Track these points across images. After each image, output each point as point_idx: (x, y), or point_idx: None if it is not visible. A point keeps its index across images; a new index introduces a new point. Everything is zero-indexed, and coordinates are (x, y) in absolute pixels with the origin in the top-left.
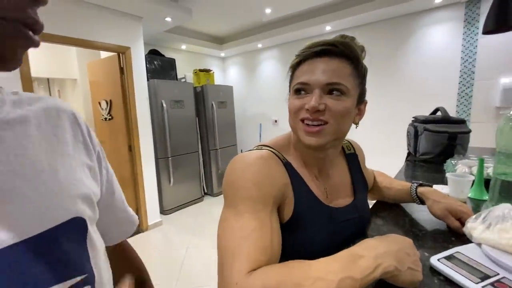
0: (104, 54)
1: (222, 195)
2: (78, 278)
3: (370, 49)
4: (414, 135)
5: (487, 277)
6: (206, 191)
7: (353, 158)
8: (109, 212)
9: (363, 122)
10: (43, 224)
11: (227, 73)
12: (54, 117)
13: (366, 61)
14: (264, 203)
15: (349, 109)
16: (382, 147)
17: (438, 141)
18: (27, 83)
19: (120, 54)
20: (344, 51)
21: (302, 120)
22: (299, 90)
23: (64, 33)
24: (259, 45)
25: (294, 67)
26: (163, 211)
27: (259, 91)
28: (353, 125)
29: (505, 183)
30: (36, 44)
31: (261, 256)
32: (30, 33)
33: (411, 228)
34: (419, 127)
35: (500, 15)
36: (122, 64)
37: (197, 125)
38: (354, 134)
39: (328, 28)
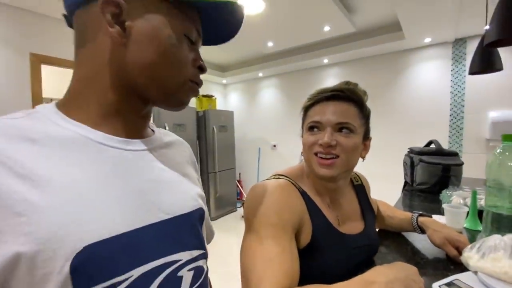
0: None
1: (219, 219)
2: (202, 251)
3: (365, 81)
4: (410, 166)
5: None
6: None
7: (360, 189)
8: None
9: None
10: (185, 208)
11: (228, 98)
12: (180, 146)
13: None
14: (284, 229)
15: (357, 145)
16: (377, 174)
17: (433, 172)
18: (38, 102)
19: None
20: (350, 96)
21: (316, 154)
22: (312, 127)
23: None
24: (260, 74)
25: (307, 108)
26: None
27: (259, 117)
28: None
29: (495, 215)
30: (197, 95)
31: (284, 280)
32: (197, 88)
33: (413, 256)
34: (414, 158)
35: (484, 59)
36: None
37: (198, 148)
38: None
39: (325, 60)
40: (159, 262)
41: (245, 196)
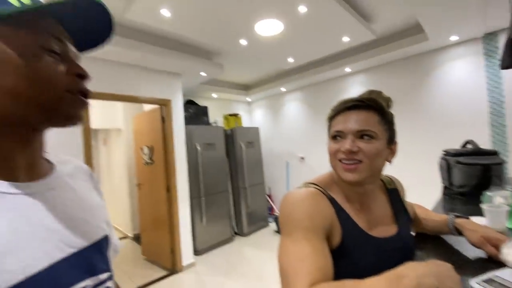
0: (147, 106)
1: (252, 235)
2: (109, 273)
3: (391, 86)
4: (446, 169)
5: None
6: (236, 230)
7: (394, 192)
8: None
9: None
10: (91, 238)
11: (253, 115)
12: (81, 172)
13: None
14: (315, 232)
15: (380, 150)
16: (412, 180)
17: (472, 174)
18: (87, 134)
19: (162, 106)
20: (370, 105)
21: (340, 160)
22: (335, 136)
23: (113, 91)
24: (283, 89)
25: (331, 119)
26: (195, 251)
27: (285, 131)
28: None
29: None
30: (87, 105)
31: (318, 275)
32: (84, 98)
33: (452, 257)
34: (450, 161)
35: None
36: (163, 114)
37: (228, 165)
38: (387, 170)
39: (347, 69)
40: None
41: (276, 210)
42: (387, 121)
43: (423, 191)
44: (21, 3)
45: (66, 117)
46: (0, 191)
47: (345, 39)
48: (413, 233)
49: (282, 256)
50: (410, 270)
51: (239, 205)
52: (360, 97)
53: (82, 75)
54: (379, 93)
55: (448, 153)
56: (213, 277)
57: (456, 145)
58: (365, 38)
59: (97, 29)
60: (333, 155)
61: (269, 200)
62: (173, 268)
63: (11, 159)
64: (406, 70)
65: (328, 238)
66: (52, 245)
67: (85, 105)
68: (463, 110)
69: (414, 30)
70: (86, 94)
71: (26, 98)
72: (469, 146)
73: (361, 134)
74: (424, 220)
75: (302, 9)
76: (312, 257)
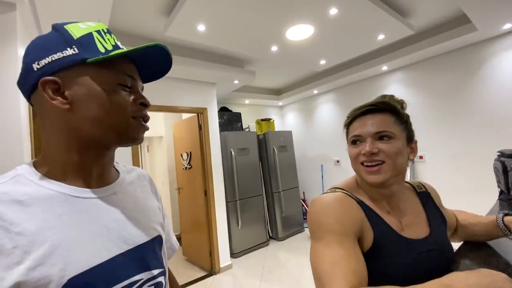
0: (185, 114)
1: (287, 240)
2: (161, 269)
3: (434, 82)
4: (503, 172)
5: None
6: (271, 235)
7: (425, 195)
8: None
9: (435, 158)
10: (145, 237)
11: (285, 119)
12: (142, 179)
13: (432, 95)
14: (346, 235)
15: (400, 148)
16: (465, 184)
17: None
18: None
19: (199, 114)
20: (383, 107)
21: (362, 163)
22: (354, 141)
23: (156, 103)
24: (315, 91)
25: (347, 125)
26: (232, 254)
27: (318, 133)
28: (425, 165)
29: None
30: (147, 129)
31: (353, 278)
32: (144, 123)
33: (506, 268)
34: (507, 162)
35: None
36: (200, 122)
37: (261, 169)
38: (427, 172)
39: (384, 68)
40: (125, 283)
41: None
42: (403, 121)
43: (476, 195)
44: (106, 49)
45: (131, 139)
46: (75, 195)
47: (380, 36)
48: (460, 243)
49: (315, 261)
50: (456, 281)
51: (273, 209)
52: (373, 102)
53: (145, 104)
54: (391, 96)
55: (503, 154)
56: (249, 280)
57: None
58: (402, 34)
59: (159, 65)
60: (354, 159)
61: (304, 205)
62: (211, 269)
63: (88, 171)
64: (450, 65)
65: (360, 241)
66: (111, 241)
67: (145, 129)
68: None
69: (457, 22)
70: (146, 119)
71: (104, 124)
72: None
73: (379, 136)
74: (470, 224)
75: (333, 11)
76: (346, 261)
